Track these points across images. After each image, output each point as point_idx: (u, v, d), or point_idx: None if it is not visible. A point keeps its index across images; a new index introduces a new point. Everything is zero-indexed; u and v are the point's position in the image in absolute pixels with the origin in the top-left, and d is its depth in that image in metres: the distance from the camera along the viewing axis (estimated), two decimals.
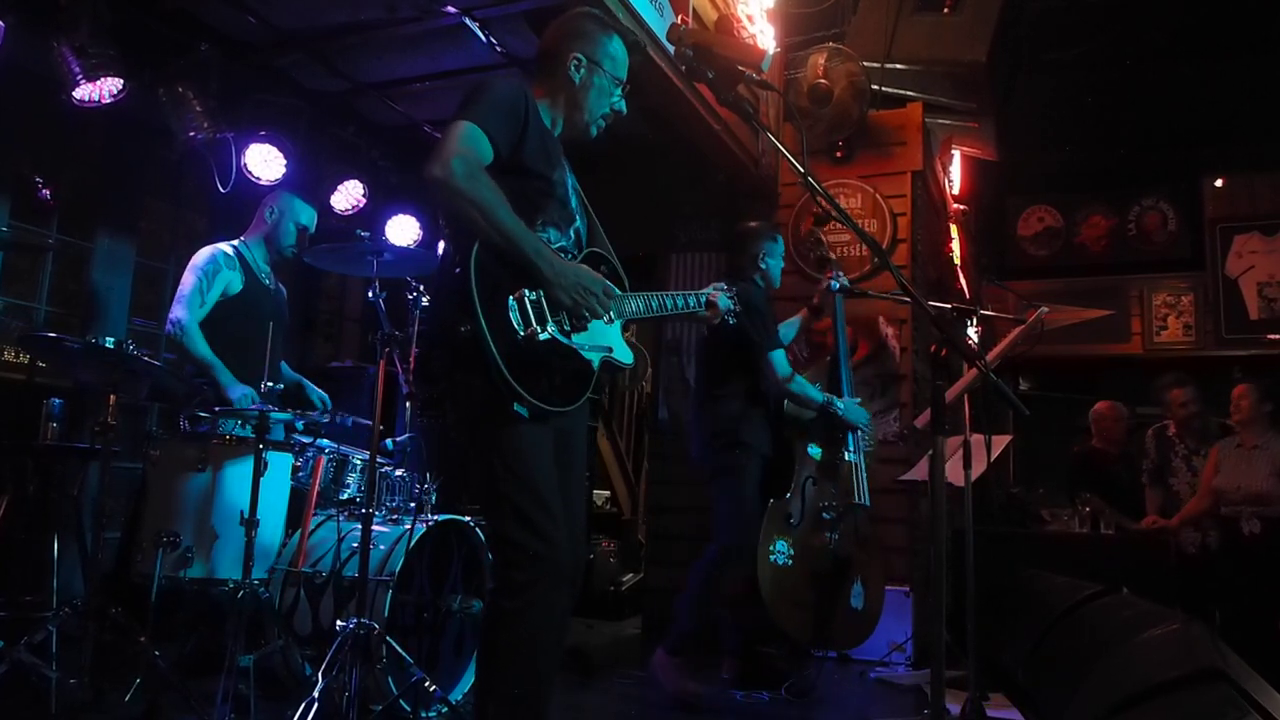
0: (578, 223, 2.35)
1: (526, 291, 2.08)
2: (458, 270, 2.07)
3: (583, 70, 2.34)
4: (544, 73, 2.37)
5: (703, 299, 2.61)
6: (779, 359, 3.83)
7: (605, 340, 2.26)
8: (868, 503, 4.13)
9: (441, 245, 2.27)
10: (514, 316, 2.05)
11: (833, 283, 4.25)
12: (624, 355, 2.31)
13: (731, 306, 2.67)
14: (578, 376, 2.19)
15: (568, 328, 2.15)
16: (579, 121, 2.38)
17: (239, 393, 3.34)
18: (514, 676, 2.06)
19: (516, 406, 2.05)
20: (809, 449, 4.06)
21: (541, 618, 2.08)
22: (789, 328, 4.43)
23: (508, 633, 2.07)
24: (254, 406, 3.01)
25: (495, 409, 2.08)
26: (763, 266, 4.02)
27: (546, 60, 2.38)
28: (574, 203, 2.36)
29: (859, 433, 4.12)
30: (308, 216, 3.79)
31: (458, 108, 2.14)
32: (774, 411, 3.98)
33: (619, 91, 2.40)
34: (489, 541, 2.18)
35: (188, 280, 3.52)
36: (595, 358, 2.22)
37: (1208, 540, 4.88)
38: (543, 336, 2.08)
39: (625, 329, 2.37)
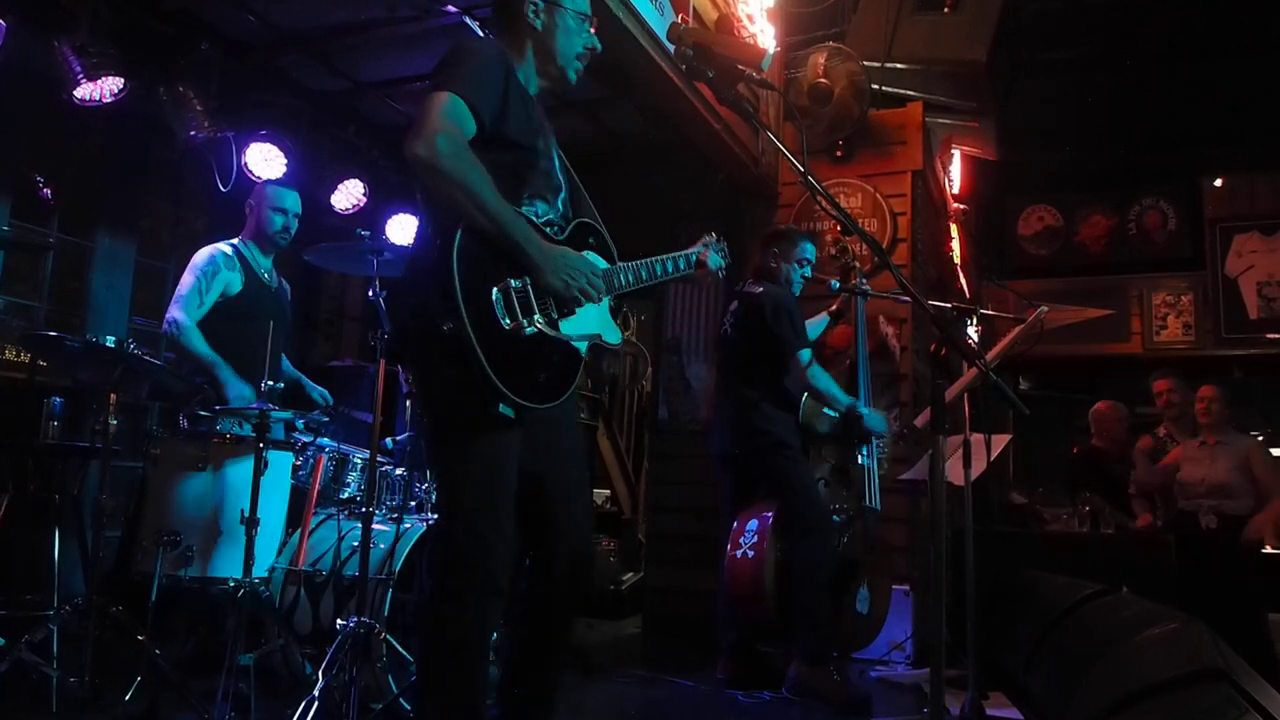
0: (563, 191, 2.27)
1: (512, 281, 1.98)
2: (437, 257, 1.95)
3: (542, 14, 2.22)
4: (503, 28, 2.27)
5: (693, 259, 2.52)
6: (806, 358, 3.84)
7: (592, 325, 2.17)
8: (878, 507, 4.15)
9: (416, 223, 2.18)
10: (499, 311, 1.94)
11: (833, 283, 4.27)
12: (611, 336, 2.23)
13: (722, 263, 2.59)
14: (564, 368, 2.10)
15: (555, 315, 2.05)
16: (553, 70, 2.27)
17: (236, 392, 3.34)
18: (452, 681, 2.03)
19: (502, 408, 1.97)
20: (823, 451, 4.07)
21: (474, 624, 2.03)
22: (813, 329, 4.44)
23: (444, 636, 2.03)
24: (254, 405, 3.01)
25: (472, 410, 2.00)
26: (784, 267, 4.05)
27: (502, 14, 2.27)
28: (557, 169, 2.28)
29: (874, 439, 4.14)
30: (290, 201, 3.74)
31: (435, 73, 2.03)
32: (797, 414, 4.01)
33: (587, 26, 2.29)
34: (432, 540, 2.14)
35: (186, 280, 3.52)
36: (583, 346, 2.14)
37: (1156, 517, 4.98)
38: (529, 331, 1.98)
39: (616, 312, 2.30)
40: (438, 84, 1.99)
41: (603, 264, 2.24)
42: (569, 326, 2.09)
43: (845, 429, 4.05)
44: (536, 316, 2.01)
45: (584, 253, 2.19)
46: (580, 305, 2.11)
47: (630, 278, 2.31)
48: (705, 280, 2.59)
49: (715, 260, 2.58)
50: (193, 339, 3.42)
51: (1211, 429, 4.95)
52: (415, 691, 2.15)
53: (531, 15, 2.21)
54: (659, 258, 2.44)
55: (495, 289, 1.95)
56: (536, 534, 2.21)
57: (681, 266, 2.49)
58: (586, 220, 2.29)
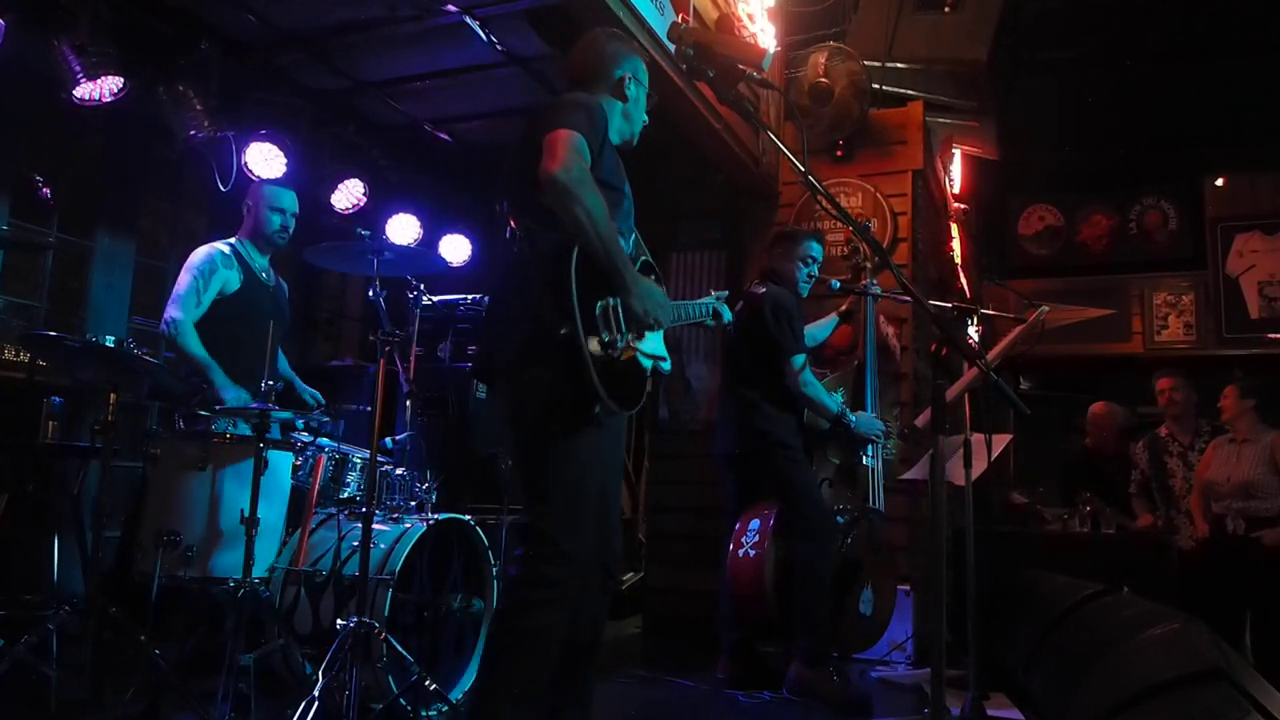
0: (634, 233, 2.54)
1: (610, 300, 2.26)
2: (555, 270, 2.19)
3: (631, 87, 2.58)
4: (597, 88, 2.55)
5: (709, 309, 2.88)
6: (798, 363, 3.83)
7: (659, 348, 2.46)
8: (882, 508, 4.13)
9: (514, 245, 2.37)
10: (599, 325, 2.23)
11: (834, 282, 4.26)
12: (666, 362, 2.52)
13: (730, 317, 2.99)
14: (639, 381, 2.38)
15: (633, 336, 2.31)
16: (629, 133, 2.62)
17: (232, 395, 3.33)
18: (527, 663, 2.16)
19: (598, 409, 2.22)
20: (827, 451, 4.07)
21: (561, 613, 2.22)
22: (822, 329, 4.43)
23: (528, 621, 2.18)
24: (254, 405, 3.00)
25: (573, 410, 2.23)
26: (789, 267, 4.04)
27: (598, 78, 2.56)
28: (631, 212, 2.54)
29: (875, 442, 4.12)
30: (287, 201, 3.74)
31: (558, 114, 2.28)
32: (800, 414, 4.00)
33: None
34: (525, 532, 2.28)
35: (184, 280, 3.51)
36: (649, 364, 2.41)
37: (1158, 517, 5.04)
38: (621, 344, 2.26)
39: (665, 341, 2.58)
40: (565, 124, 2.25)
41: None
42: (643, 346, 2.38)
43: (845, 431, 4.04)
44: (627, 335, 2.30)
45: None
46: (651, 331, 2.40)
47: (672, 315, 2.60)
48: (716, 327, 3.00)
49: (727, 314, 2.98)
50: (189, 339, 3.42)
51: (1234, 426, 4.86)
52: (481, 669, 2.31)
53: (626, 88, 2.58)
54: (688, 302, 2.88)
55: (599, 304, 2.24)
56: None
57: (704, 313, 2.90)
58: (648, 260, 2.56)
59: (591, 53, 2.60)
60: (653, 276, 2.52)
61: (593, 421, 2.26)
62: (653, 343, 2.44)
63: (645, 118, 2.67)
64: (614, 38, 2.65)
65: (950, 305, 4.13)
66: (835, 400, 3.95)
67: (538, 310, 2.23)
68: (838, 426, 3.93)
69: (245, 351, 3.47)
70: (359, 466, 3.49)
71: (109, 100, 3.77)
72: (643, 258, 2.52)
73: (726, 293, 3.02)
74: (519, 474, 2.34)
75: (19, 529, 3.64)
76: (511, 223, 2.42)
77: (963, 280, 6.53)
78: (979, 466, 3.50)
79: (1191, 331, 7.69)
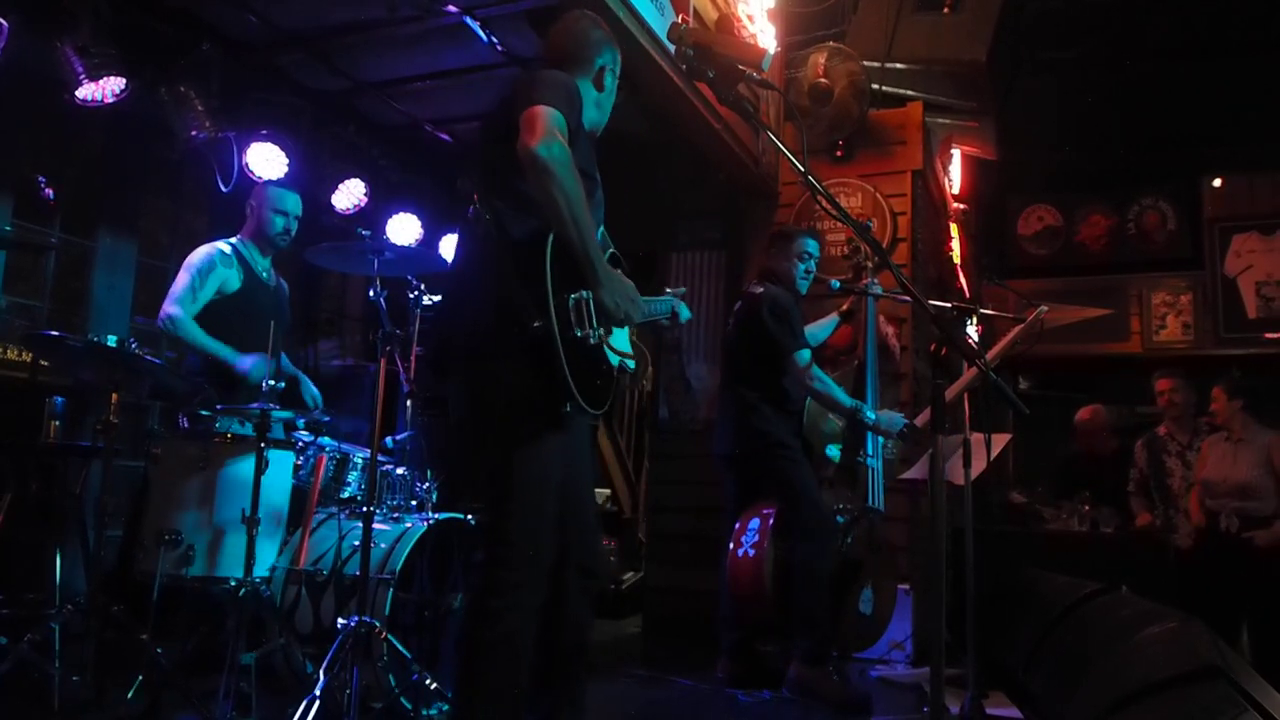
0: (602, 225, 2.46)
1: (582, 293, 2.16)
2: (529, 258, 2.11)
3: (608, 78, 2.53)
4: (573, 72, 2.45)
5: (666, 309, 2.74)
6: (804, 359, 3.82)
7: (625, 346, 2.38)
8: (882, 507, 4.14)
9: (480, 227, 2.26)
10: (571, 318, 2.13)
11: (833, 282, 4.26)
12: (630, 362, 2.42)
13: (690, 315, 2.86)
14: (608, 379, 2.29)
15: (602, 332, 2.23)
16: (599, 122, 2.54)
17: (249, 362, 3.35)
18: (500, 672, 2.12)
19: (568, 407, 2.13)
20: (828, 449, 4.07)
21: (526, 617, 2.16)
22: (823, 329, 4.43)
23: (494, 630, 2.12)
24: (254, 405, 3.01)
25: (538, 406, 2.14)
26: (786, 265, 4.04)
27: (578, 61, 2.48)
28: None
29: (883, 439, 4.11)
30: (291, 203, 3.76)
31: (534, 89, 2.18)
32: (799, 414, 3.99)
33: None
34: (483, 535, 2.24)
35: (181, 278, 3.54)
36: (616, 362, 2.32)
37: (1156, 516, 5.07)
38: (593, 340, 2.17)
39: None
40: (543, 100, 2.14)
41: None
42: (613, 342, 2.29)
43: (851, 430, 4.04)
44: (598, 330, 2.20)
45: None
46: (620, 327, 2.32)
47: (645, 311, 2.50)
48: (672, 330, 2.81)
49: (685, 313, 2.81)
50: (190, 329, 3.46)
51: (1229, 426, 4.87)
52: (457, 684, 2.22)
53: (605, 76, 2.53)
54: (651, 299, 2.63)
55: (571, 297, 2.14)
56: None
57: (664, 310, 2.72)
58: (616, 252, 2.47)
59: (572, 35, 2.52)
60: (619, 270, 2.41)
61: (559, 421, 2.17)
62: (620, 340, 2.35)
63: (610, 111, 2.60)
64: (596, 24, 2.57)
65: (950, 305, 4.13)
66: (846, 394, 3.92)
67: (508, 300, 2.13)
68: (852, 423, 3.92)
69: (247, 349, 3.48)
70: (360, 466, 3.50)
71: (111, 101, 3.78)
72: (610, 250, 2.43)
73: (684, 289, 2.91)
74: (482, 472, 2.23)
75: (21, 529, 3.64)
76: (475, 201, 2.31)
77: (962, 280, 6.54)
78: (978, 466, 3.50)
79: (1189, 331, 7.70)
